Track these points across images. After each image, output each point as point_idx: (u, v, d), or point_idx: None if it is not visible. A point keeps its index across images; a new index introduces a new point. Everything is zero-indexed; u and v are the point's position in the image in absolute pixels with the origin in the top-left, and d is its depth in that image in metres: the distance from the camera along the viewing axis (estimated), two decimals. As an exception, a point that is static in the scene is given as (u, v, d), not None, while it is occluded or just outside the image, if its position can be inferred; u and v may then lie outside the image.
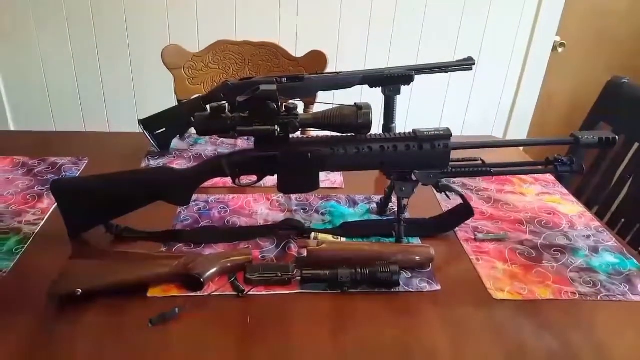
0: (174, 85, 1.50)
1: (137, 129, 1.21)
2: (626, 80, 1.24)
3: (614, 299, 0.81)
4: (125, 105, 1.98)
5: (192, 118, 1.21)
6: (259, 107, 0.80)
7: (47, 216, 0.95)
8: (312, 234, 0.89)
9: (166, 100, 1.81)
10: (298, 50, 1.58)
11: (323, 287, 0.79)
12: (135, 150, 1.24)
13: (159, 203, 0.89)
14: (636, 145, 1.18)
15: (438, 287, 0.81)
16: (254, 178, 0.89)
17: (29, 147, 1.24)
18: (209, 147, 1.29)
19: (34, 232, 0.91)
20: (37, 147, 1.23)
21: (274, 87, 0.80)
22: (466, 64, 1.17)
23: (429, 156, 0.85)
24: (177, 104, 1.46)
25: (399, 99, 1.17)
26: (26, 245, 0.87)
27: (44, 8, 1.81)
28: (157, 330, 0.70)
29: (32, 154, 1.19)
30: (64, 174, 1.11)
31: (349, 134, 0.85)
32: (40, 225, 0.93)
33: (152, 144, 1.22)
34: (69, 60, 1.90)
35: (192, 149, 1.28)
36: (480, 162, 0.91)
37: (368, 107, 0.81)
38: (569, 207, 1.07)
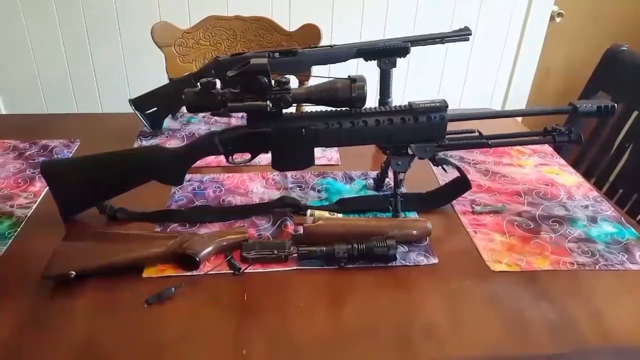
0: (165, 64, 1.47)
1: (130, 109, 1.19)
2: (625, 48, 1.22)
3: (612, 268, 0.80)
4: (118, 85, 1.95)
5: (183, 96, 1.21)
6: (250, 82, 0.78)
7: (39, 199, 0.94)
8: (309, 211, 0.88)
9: (159, 79, 1.78)
10: (292, 24, 1.54)
11: (320, 264, 0.78)
12: (128, 130, 1.22)
13: (153, 183, 0.88)
14: (635, 113, 1.17)
15: (435, 261, 0.80)
16: (248, 156, 0.88)
17: (20, 130, 1.22)
18: (202, 126, 1.27)
19: (26, 216, 0.90)
20: (28, 130, 1.21)
21: (264, 60, 0.77)
22: (463, 34, 1.14)
23: (425, 129, 0.84)
24: (168, 82, 1.42)
25: (395, 73, 1.14)
26: (19, 229, 0.86)
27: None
28: (153, 310, 0.69)
29: (23, 137, 1.17)
30: (55, 156, 1.10)
31: (344, 109, 0.84)
32: (33, 208, 0.92)
33: (144, 124, 1.20)
34: (57, 42, 1.86)
35: (185, 128, 1.26)
36: (477, 134, 0.90)
37: (362, 79, 0.79)
38: (567, 178, 1.06)
